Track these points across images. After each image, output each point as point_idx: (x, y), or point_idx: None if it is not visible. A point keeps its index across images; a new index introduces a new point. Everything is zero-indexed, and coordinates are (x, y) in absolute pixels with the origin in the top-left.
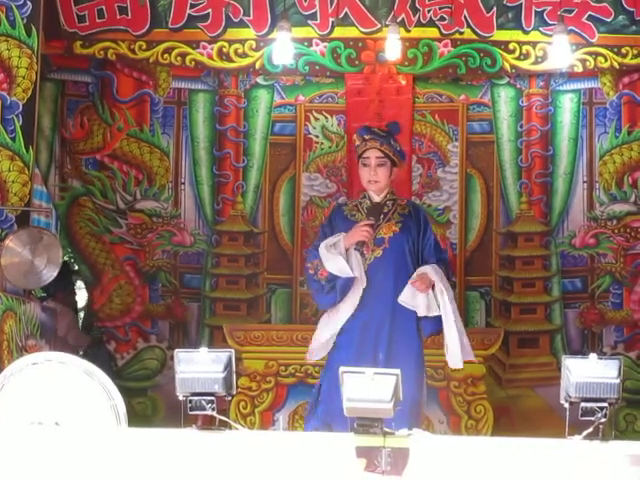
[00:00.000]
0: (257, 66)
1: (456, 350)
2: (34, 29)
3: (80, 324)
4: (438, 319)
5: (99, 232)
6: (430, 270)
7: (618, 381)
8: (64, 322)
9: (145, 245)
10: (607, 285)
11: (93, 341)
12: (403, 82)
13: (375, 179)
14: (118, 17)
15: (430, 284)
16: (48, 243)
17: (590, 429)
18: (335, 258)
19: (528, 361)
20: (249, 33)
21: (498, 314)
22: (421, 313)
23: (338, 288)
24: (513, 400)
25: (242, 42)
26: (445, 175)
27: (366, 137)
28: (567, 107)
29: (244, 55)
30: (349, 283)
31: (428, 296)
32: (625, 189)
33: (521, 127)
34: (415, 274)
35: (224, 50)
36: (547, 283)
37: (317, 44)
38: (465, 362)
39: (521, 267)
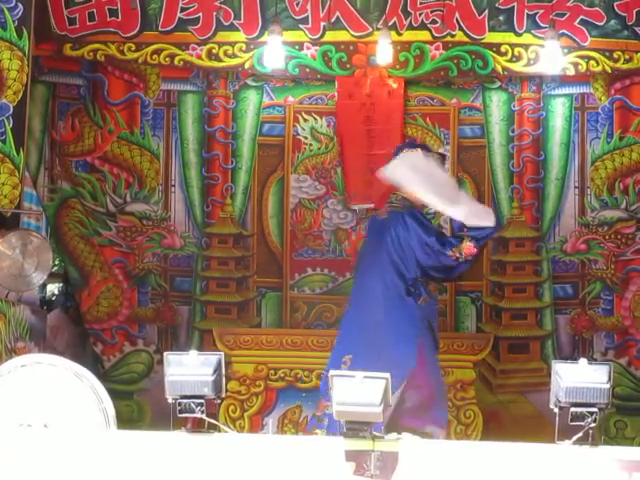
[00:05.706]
0: (246, 66)
1: None
2: (25, 31)
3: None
4: None
5: (88, 234)
6: None
7: (608, 386)
8: (62, 339)
9: (135, 248)
10: (598, 291)
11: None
12: (394, 85)
13: None
14: (108, 20)
15: None
16: (38, 246)
17: (580, 434)
18: None
19: (518, 367)
20: (239, 36)
21: (489, 319)
22: None
23: None
24: (503, 405)
25: (232, 44)
26: None
27: None
28: (559, 112)
29: (233, 56)
30: None
31: None
32: (616, 195)
33: (513, 132)
34: None
35: (213, 51)
36: (538, 289)
37: (308, 47)
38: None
39: (512, 272)
